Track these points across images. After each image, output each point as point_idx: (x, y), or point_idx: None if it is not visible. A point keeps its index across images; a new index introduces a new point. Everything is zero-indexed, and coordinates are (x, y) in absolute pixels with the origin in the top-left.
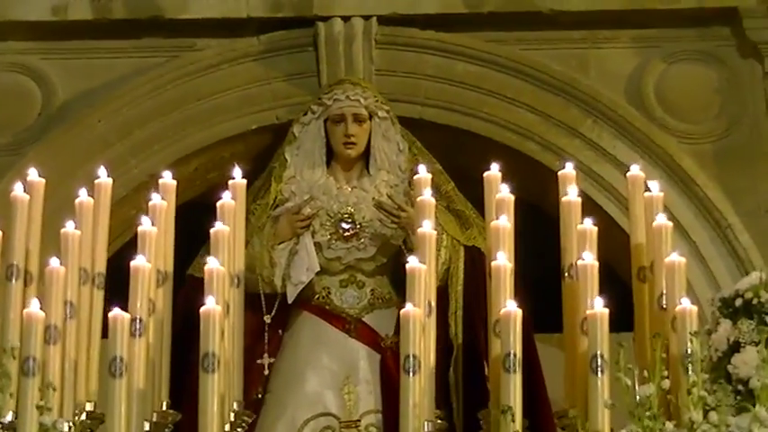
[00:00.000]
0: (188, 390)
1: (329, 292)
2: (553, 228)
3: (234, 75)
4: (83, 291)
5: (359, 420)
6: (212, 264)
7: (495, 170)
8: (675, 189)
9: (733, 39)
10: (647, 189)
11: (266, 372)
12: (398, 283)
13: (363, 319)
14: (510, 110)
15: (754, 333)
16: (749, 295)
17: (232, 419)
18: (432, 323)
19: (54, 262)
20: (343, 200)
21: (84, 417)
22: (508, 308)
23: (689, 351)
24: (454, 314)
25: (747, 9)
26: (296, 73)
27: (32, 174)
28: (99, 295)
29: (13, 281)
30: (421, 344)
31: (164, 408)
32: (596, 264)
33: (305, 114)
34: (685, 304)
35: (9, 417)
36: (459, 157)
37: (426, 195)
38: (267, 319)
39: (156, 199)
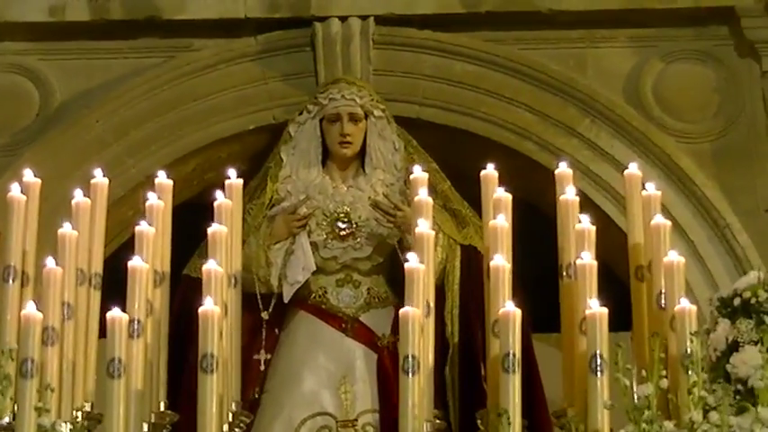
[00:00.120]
0: (185, 390)
1: (325, 292)
2: (550, 227)
3: (231, 75)
4: (80, 291)
5: (356, 420)
6: (210, 264)
7: (491, 169)
8: (673, 188)
9: (730, 38)
10: (645, 188)
11: (262, 367)
12: (395, 283)
13: (360, 319)
14: (508, 109)
15: (752, 332)
16: (747, 295)
17: (230, 420)
18: (430, 323)
19: (51, 263)
20: (339, 199)
21: (82, 418)
22: (507, 308)
23: (688, 351)
24: (450, 313)
25: (745, 8)
26: (293, 73)
27: (28, 174)
28: (96, 296)
29: (10, 282)
30: (420, 344)
31: (161, 408)
32: (595, 263)
33: (300, 114)
34: (684, 304)
35: (7, 419)
36: (457, 157)
37: (423, 195)
38: (265, 315)
39: (152, 199)
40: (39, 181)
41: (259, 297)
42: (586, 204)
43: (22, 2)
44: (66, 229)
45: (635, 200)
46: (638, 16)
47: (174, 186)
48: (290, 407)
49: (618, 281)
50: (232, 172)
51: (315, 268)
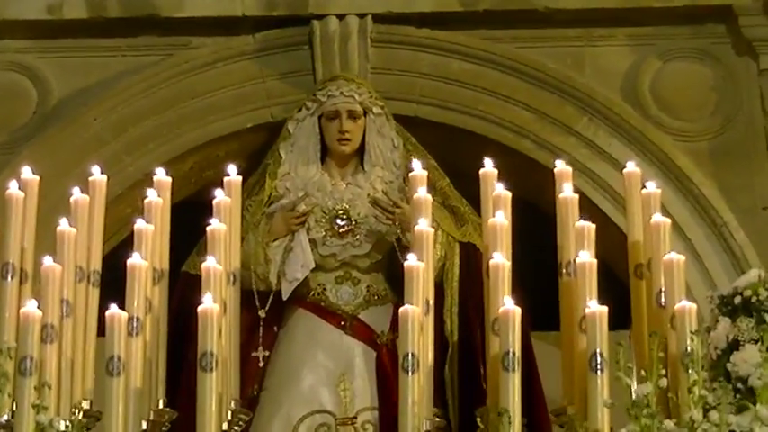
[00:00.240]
0: (184, 387)
1: (324, 289)
2: (548, 225)
3: (229, 73)
4: (78, 289)
5: (355, 417)
6: (209, 262)
7: (490, 167)
8: (671, 187)
9: (728, 36)
10: (644, 186)
11: (261, 364)
12: (394, 280)
13: (359, 316)
14: (505, 108)
15: (753, 331)
16: (748, 293)
17: (229, 418)
18: (430, 321)
19: (50, 260)
20: (338, 196)
21: (80, 415)
22: (507, 306)
23: (689, 349)
24: (449, 311)
25: (742, 6)
26: (291, 71)
27: (26, 172)
28: (95, 293)
29: (9, 279)
30: (419, 342)
31: (160, 406)
32: (595, 261)
33: (299, 111)
34: (684, 302)
35: (6, 417)
36: (455, 155)
37: (422, 193)
38: (262, 313)
39: (151, 196)
40: (37, 178)
41: (257, 295)
42: (584, 203)
43: (21, 0)
44: (64, 226)
45: (634, 198)
46: (636, 15)
47: (172, 184)
48: (288, 404)
49: (615, 279)
50: (232, 168)
51: (314, 265)
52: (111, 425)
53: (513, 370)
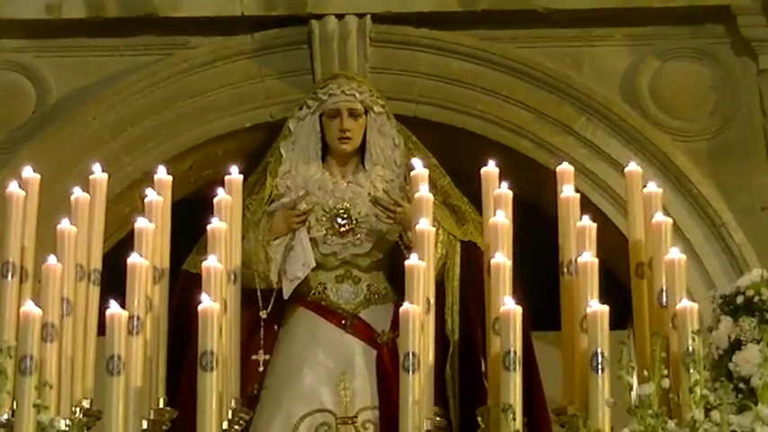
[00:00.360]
0: (184, 387)
1: (325, 288)
2: (546, 225)
3: (227, 72)
4: (79, 287)
5: (355, 416)
6: (210, 261)
7: (492, 166)
8: (669, 186)
9: (727, 36)
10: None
11: (261, 368)
12: (394, 279)
13: (359, 315)
14: (504, 107)
15: (755, 331)
16: (750, 293)
17: (230, 417)
18: (430, 320)
19: (51, 259)
20: (339, 195)
21: (81, 414)
22: (508, 305)
23: (690, 349)
24: (451, 310)
25: (741, 6)
26: (290, 71)
27: (27, 170)
28: (95, 292)
29: (9, 278)
30: (420, 341)
31: (161, 405)
32: (596, 261)
33: (300, 109)
34: (686, 302)
35: (6, 416)
36: (453, 155)
37: (423, 191)
38: (263, 314)
39: (152, 195)
40: (38, 177)
41: (258, 293)
42: (582, 202)
43: None
44: (65, 224)
45: (635, 197)
46: (635, 14)
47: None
48: (289, 403)
49: (615, 279)
50: (234, 168)
51: (314, 264)
52: (111, 424)
53: (515, 369)
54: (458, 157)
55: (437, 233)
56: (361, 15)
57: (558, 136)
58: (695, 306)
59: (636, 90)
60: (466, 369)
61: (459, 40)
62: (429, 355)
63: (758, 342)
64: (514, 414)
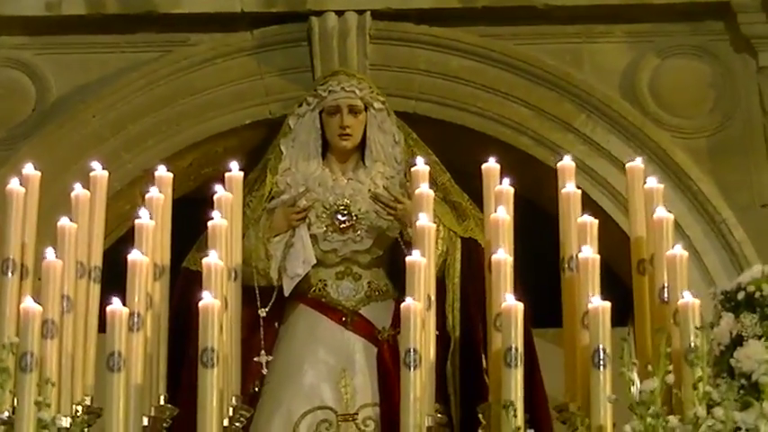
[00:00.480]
0: (185, 384)
1: (325, 285)
2: (546, 222)
3: (227, 70)
4: (79, 284)
5: (356, 414)
6: (210, 258)
7: (493, 162)
8: (669, 183)
9: (726, 33)
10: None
11: (264, 371)
12: (394, 276)
13: (360, 312)
14: (504, 104)
15: (756, 327)
16: (751, 288)
17: (230, 414)
18: (431, 317)
19: (51, 255)
20: (339, 192)
21: (81, 412)
22: (509, 302)
23: (692, 345)
24: (451, 306)
25: (741, 4)
26: (289, 68)
27: (28, 167)
28: (96, 289)
29: (9, 275)
30: (421, 338)
31: (161, 402)
32: (597, 257)
33: (300, 106)
34: (687, 298)
35: (6, 413)
36: (453, 152)
37: (424, 188)
38: (262, 313)
39: (152, 192)
40: (38, 174)
41: (258, 290)
42: (582, 200)
43: None
44: (65, 222)
45: (636, 193)
46: (634, 12)
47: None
48: (289, 401)
49: (615, 276)
50: (234, 165)
51: (315, 261)
52: (111, 421)
53: (516, 366)
54: (457, 154)
55: (438, 230)
56: (360, 12)
57: (558, 133)
58: (696, 302)
59: (636, 87)
60: (467, 366)
61: (459, 36)
62: (430, 352)
63: (759, 338)
64: (515, 411)
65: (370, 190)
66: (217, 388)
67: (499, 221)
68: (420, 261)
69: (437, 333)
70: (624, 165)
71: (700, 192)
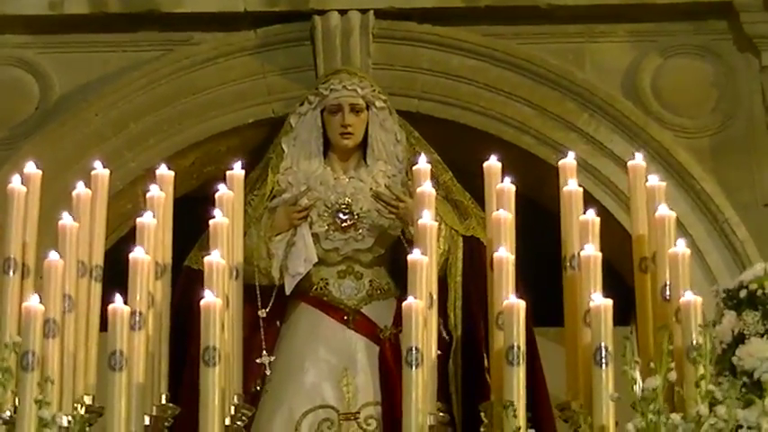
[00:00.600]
0: (187, 382)
1: (327, 284)
2: (548, 221)
3: (230, 69)
4: (81, 284)
5: (358, 412)
6: (212, 256)
7: (494, 161)
8: (672, 183)
9: (729, 33)
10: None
11: (268, 372)
12: (396, 274)
13: (362, 311)
14: (506, 104)
15: (758, 324)
16: (754, 286)
17: (232, 413)
18: (433, 315)
19: (52, 255)
20: (341, 190)
21: (83, 410)
22: (511, 300)
23: (694, 343)
24: (453, 305)
25: (743, 3)
26: (292, 67)
27: (29, 166)
28: (97, 288)
29: (11, 274)
30: (423, 336)
31: (163, 401)
32: (599, 255)
33: (302, 104)
34: (689, 296)
35: (8, 412)
36: (455, 151)
37: (426, 186)
38: (262, 313)
39: (154, 191)
40: (39, 172)
41: (259, 290)
42: (585, 199)
43: None
44: (66, 220)
45: (638, 191)
46: (637, 11)
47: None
48: (291, 400)
49: (617, 275)
50: (237, 164)
51: (316, 260)
52: (113, 420)
53: (518, 364)
54: (459, 152)
55: (439, 228)
56: (363, 11)
57: (561, 132)
58: (699, 300)
59: (638, 86)
60: (469, 364)
61: (462, 36)
62: (432, 350)
63: (761, 336)
64: (515, 411)
65: (371, 189)
66: (218, 387)
67: (501, 219)
68: (422, 260)
69: (446, 338)
70: (626, 164)
71: (702, 191)
